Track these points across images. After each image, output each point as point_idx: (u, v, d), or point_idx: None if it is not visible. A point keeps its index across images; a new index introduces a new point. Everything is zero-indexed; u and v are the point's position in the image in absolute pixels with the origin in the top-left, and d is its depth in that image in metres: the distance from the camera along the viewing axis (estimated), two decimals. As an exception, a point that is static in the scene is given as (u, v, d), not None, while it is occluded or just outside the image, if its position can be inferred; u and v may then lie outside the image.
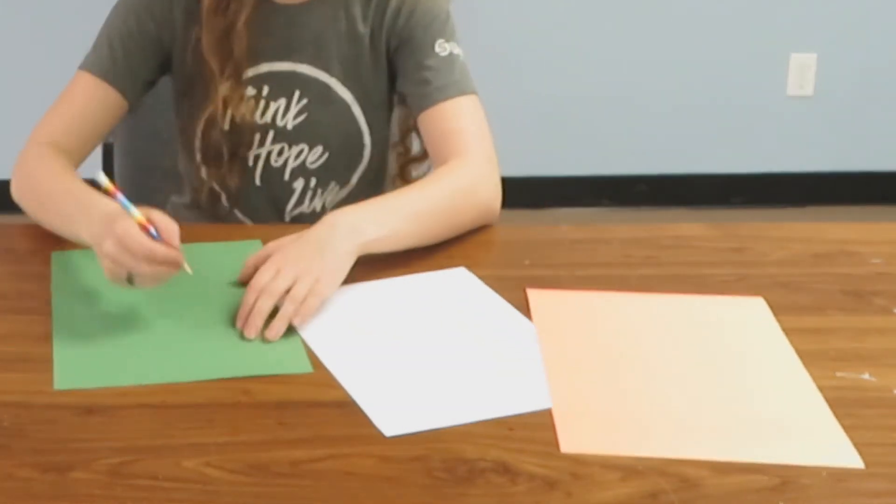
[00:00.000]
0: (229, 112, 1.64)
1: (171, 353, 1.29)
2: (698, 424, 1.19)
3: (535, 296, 1.41)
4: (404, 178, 1.78)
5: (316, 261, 1.36)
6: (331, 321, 1.35)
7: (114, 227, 1.30)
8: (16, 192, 1.57)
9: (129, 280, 1.32)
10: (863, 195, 3.77)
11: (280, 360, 1.28)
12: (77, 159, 1.60)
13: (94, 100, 1.62)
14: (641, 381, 1.26)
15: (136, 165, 1.96)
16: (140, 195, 1.94)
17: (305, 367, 1.26)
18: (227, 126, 1.65)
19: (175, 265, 1.31)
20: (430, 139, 1.65)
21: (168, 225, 1.32)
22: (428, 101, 1.64)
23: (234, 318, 1.33)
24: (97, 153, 1.92)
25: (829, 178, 3.80)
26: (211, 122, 1.66)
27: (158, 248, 1.29)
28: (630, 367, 1.28)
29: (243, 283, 1.39)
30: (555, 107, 3.65)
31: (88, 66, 1.63)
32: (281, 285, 1.33)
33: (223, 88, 1.63)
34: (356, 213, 1.45)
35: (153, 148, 1.94)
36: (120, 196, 1.34)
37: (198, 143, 1.70)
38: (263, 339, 1.31)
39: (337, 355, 1.28)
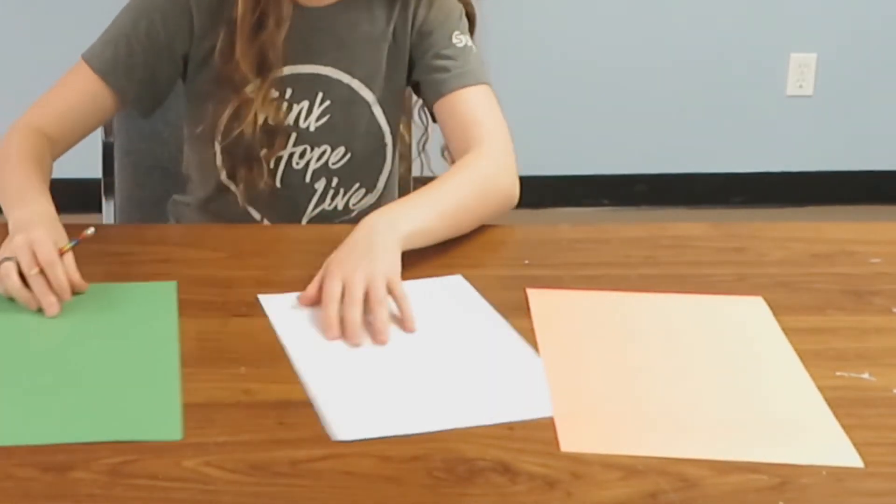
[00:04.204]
0: (258, 114, 1.63)
1: (37, 410, 1.17)
2: (698, 424, 1.19)
3: (535, 295, 1.41)
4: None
5: (372, 262, 1.36)
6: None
7: (35, 228, 1.36)
8: None
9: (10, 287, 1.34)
10: (863, 195, 3.77)
11: (151, 424, 1.16)
12: (62, 148, 1.62)
13: (88, 95, 1.63)
14: (641, 380, 1.26)
15: (136, 165, 1.96)
16: (140, 195, 1.95)
17: (175, 435, 1.14)
18: (254, 128, 1.64)
19: (61, 293, 1.33)
20: (447, 126, 1.68)
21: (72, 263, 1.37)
22: (446, 87, 1.67)
23: (113, 368, 1.24)
24: (97, 153, 1.92)
25: (829, 178, 3.80)
26: (233, 124, 1.65)
27: (58, 269, 1.33)
28: (630, 366, 1.28)
29: (306, 304, 1.37)
30: (554, 107, 3.65)
31: (90, 58, 1.63)
32: (357, 293, 1.33)
33: (251, 90, 1.62)
34: (390, 211, 1.47)
35: (153, 148, 1.94)
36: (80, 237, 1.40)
37: (218, 146, 1.69)
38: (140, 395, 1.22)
39: (321, 360, 1.27)
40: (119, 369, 1.25)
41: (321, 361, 1.27)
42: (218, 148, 1.69)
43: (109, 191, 1.95)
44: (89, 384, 1.22)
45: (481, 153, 1.59)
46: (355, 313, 1.31)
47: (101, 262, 1.49)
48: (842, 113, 3.74)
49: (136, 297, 1.39)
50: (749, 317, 1.39)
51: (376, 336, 1.31)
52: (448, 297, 1.42)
